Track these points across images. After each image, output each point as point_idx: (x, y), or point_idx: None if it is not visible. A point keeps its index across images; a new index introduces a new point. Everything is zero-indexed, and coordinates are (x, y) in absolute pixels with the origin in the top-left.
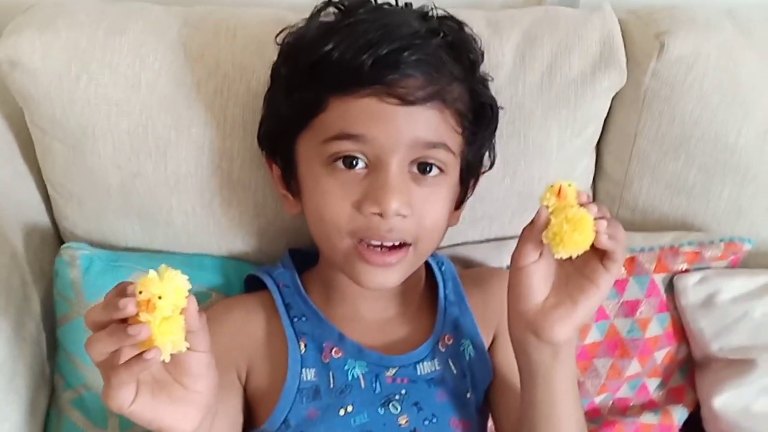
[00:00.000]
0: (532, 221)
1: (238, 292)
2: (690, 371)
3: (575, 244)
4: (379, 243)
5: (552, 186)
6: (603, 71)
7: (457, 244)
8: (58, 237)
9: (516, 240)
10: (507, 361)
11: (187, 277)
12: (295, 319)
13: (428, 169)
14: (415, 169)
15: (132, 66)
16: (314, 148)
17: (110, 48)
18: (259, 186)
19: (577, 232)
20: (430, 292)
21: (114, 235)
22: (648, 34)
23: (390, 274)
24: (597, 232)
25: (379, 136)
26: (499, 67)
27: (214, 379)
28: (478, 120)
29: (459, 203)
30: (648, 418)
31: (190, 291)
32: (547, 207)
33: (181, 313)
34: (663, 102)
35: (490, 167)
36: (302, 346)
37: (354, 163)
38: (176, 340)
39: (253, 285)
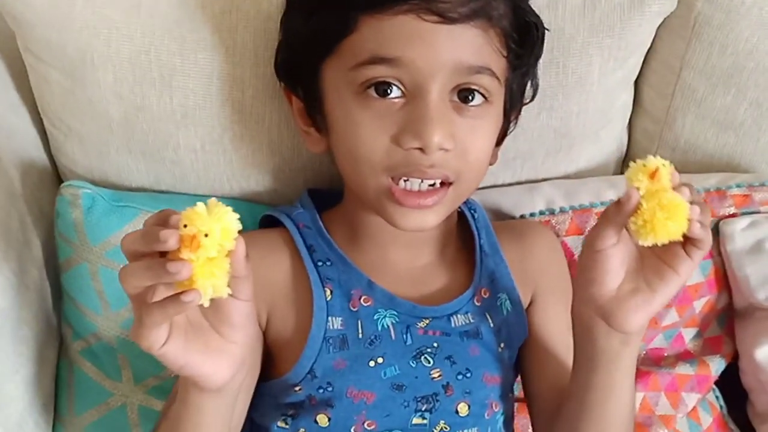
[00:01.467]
0: (619, 202)
1: None
2: (728, 321)
3: (667, 233)
4: (418, 180)
5: (645, 165)
6: None
7: (486, 187)
8: (57, 176)
9: (550, 182)
10: (546, 325)
11: (238, 216)
12: (320, 264)
13: (471, 97)
14: (456, 98)
15: None
16: (343, 76)
17: None
18: (274, 120)
19: (672, 220)
20: (464, 240)
21: (117, 174)
22: None
23: (427, 216)
24: (690, 220)
25: (417, 59)
26: None
27: (253, 331)
28: (524, 41)
29: (500, 138)
30: (684, 369)
31: (240, 232)
32: (638, 189)
33: (227, 256)
34: (715, 29)
35: (533, 98)
36: (328, 292)
37: (389, 90)
38: (218, 284)
39: (268, 226)
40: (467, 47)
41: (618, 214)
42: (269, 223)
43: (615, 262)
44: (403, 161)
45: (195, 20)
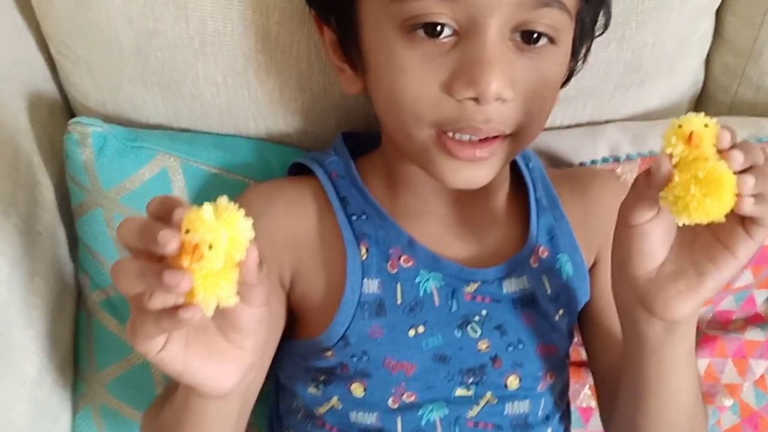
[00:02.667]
0: (648, 172)
1: None
2: None
3: (705, 213)
4: (469, 137)
5: (680, 126)
6: None
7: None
8: (68, 109)
9: (615, 124)
10: (608, 293)
11: (251, 221)
12: (354, 218)
13: (536, 37)
14: (518, 38)
15: None
16: (384, 8)
17: None
18: (303, 50)
19: (711, 197)
20: (518, 192)
21: (133, 108)
22: None
23: (480, 170)
24: (739, 195)
25: None
26: None
27: (264, 335)
28: None
29: (567, 79)
30: (753, 335)
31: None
32: (671, 156)
33: (236, 265)
34: None
35: (605, 29)
36: (363, 251)
37: (439, 29)
38: (224, 295)
39: (298, 173)
40: None
41: (647, 186)
42: (298, 171)
43: (653, 240)
44: (454, 115)
45: None
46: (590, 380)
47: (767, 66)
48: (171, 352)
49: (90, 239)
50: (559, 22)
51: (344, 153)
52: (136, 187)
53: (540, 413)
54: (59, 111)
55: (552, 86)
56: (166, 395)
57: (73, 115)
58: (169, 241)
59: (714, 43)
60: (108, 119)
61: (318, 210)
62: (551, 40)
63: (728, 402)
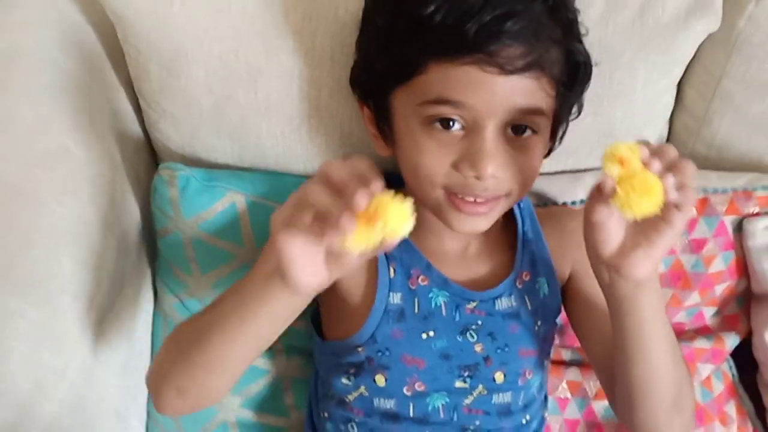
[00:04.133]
0: (598, 187)
1: None
2: (747, 301)
3: (645, 209)
4: (473, 198)
5: (613, 153)
6: (697, 16)
7: None
8: (150, 147)
9: (592, 172)
10: (591, 287)
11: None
12: None
13: (522, 130)
14: (509, 131)
15: None
16: (411, 107)
17: None
18: (346, 116)
19: (645, 197)
20: (510, 228)
21: (206, 151)
22: None
23: (481, 221)
24: (665, 190)
25: (477, 103)
26: (591, 8)
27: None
28: (573, 81)
29: (547, 153)
30: (701, 343)
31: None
32: (612, 176)
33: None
34: (755, 47)
35: (577, 116)
36: (391, 270)
37: (451, 124)
38: (363, 250)
39: None
40: (521, 93)
41: (599, 196)
42: None
43: (611, 228)
44: (460, 184)
45: (279, 25)
46: (567, 377)
47: (717, 129)
48: (291, 240)
49: (169, 255)
50: (540, 122)
51: None
52: (210, 218)
53: (520, 402)
54: (144, 150)
55: (535, 162)
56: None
57: (154, 153)
58: (362, 200)
59: (676, 107)
60: (184, 158)
61: None
62: (534, 131)
63: None
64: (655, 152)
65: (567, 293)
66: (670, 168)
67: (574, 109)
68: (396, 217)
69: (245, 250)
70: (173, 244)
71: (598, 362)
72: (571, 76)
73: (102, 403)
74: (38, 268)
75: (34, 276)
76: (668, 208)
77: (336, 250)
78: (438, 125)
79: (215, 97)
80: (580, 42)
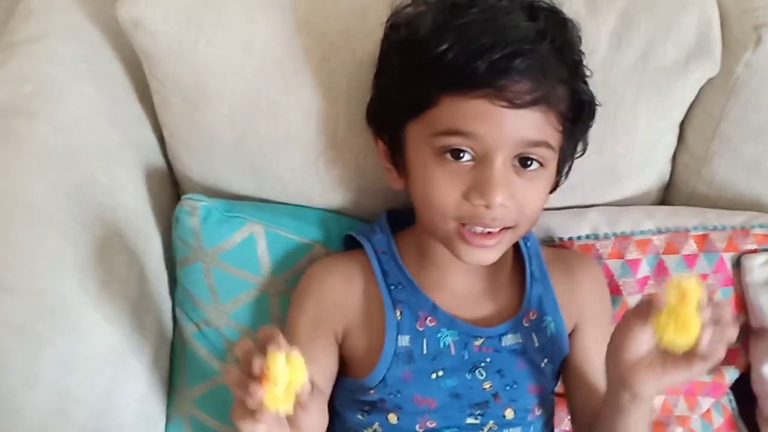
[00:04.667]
0: (650, 298)
1: (336, 245)
2: (745, 336)
3: (674, 342)
4: (482, 229)
5: (680, 284)
6: (697, 61)
7: None
8: (172, 178)
9: (595, 208)
10: (584, 354)
11: (306, 371)
12: (392, 287)
13: (530, 163)
14: (517, 163)
15: (244, 30)
16: (424, 138)
17: (224, 11)
18: (362, 149)
19: (681, 335)
20: (517, 267)
21: (226, 183)
22: (746, 25)
23: (488, 253)
24: (700, 339)
25: (487, 135)
26: (595, 51)
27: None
28: (578, 117)
29: (553, 189)
30: (702, 377)
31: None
32: (667, 300)
33: (294, 392)
34: (752, 92)
35: (582, 153)
36: (398, 313)
37: (462, 155)
38: (284, 407)
39: (350, 243)
40: (529, 126)
41: (646, 310)
42: (351, 240)
43: (641, 340)
44: (470, 213)
45: (299, 64)
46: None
47: (716, 170)
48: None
49: (189, 284)
50: (546, 155)
51: (386, 230)
52: (230, 248)
53: None
54: (166, 181)
55: (541, 195)
56: None
57: (176, 184)
58: (257, 369)
59: (678, 146)
60: (206, 190)
61: (365, 280)
62: (541, 165)
63: (679, 430)
64: (714, 303)
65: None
66: (716, 322)
67: (580, 147)
68: (291, 368)
69: (263, 279)
70: (193, 272)
71: (576, 416)
72: (577, 113)
73: (121, 430)
74: (64, 296)
75: (60, 303)
76: (694, 353)
77: (294, 424)
78: (449, 156)
79: (237, 131)
80: (585, 83)
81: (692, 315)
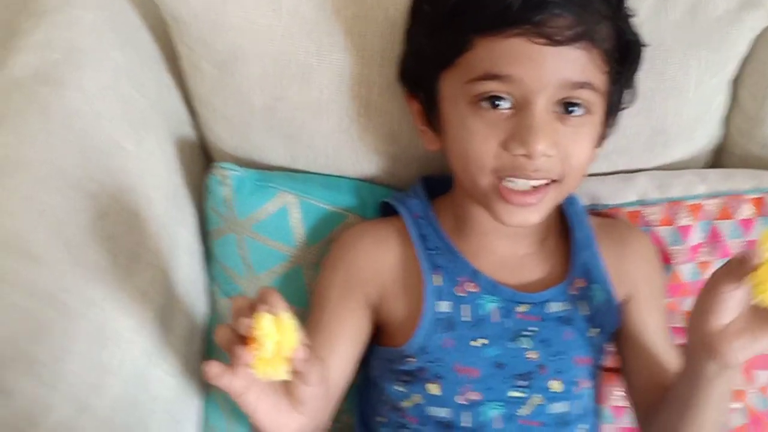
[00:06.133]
0: (743, 256)
1: (372, 214)
2: None
3: None
4: (524, 181)
5: None
6: (749, 10)
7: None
8: (204, 150)
9: (644, 173)
10: (641, 329)
11: (300, 337)
12: (431, 252)
13: (573, 108)
14: (560, 109)
15: None
16: (459, 87)
17: None
18: (395, 114)
19: None
20: (562, 232)
21: (258, 153)
22: None
23: (531, 213)
24: None
25: (526, 77)
26: (642, 1)
27: (321, 407)
28: (624, 58)
29: (600, 141)
30: None
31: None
32: (763, 253)
33: (287, 357)
34: None
35: (631, 104)
36: (437, 278)
37: (499, 103)
38: (274, 373)
39: (386, 211)
40: (571, 66)
41: (739, 268)
42: (387, 208)
43: (731, 304)
44: (510, 164)
45: (331, 24)
46: (620, 384)
47: None
48: (247, 398)
49: (222, 257)
50: (591, 99)
51: (423, 196)
52: (263, 218)
53: (576, 412)
54: (196, 150)
55: (587, 145)
56: None
57: (207, 155)
58: (243, 329)
59: (731, 107)
60: (237, 160)
61: (401, 245)
62: (586, 110)
63: (736, 405)
64: None
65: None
66: None
67: (627, 97)
68: (282, 329)
69: (297, 251)
70: (227, 244)
71: (635, 392)
72: (623, 53)
73: (155, 403)
74: (94, 266)
75: (90, 274)
76: None
77: (287, 388)
78: (486, 104)
79: (267, 96)
80: (631, 23)
81: None
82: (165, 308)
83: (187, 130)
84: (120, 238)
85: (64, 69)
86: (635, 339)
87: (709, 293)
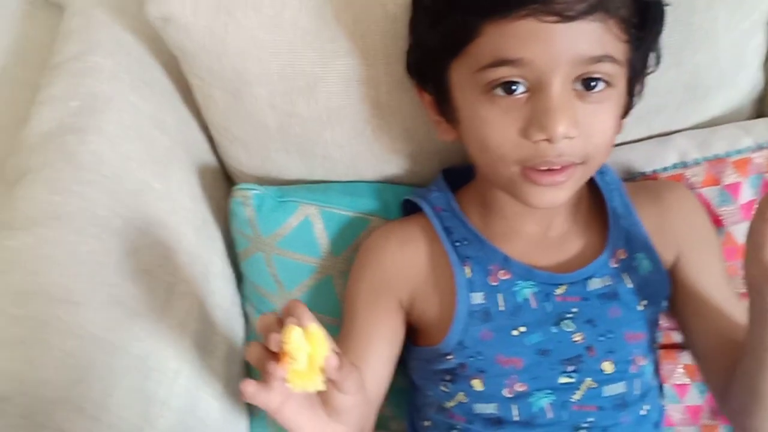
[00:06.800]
0: None
1: (395, 215)
2: None
3: None
4: (547, 168)
5: None
6: None
7: (617, 145)
8: (226, 175)
9: (682, 133)
10: (699, 280)
11: (330, 346)
12: (457, 244)
13: (594, 84)
14: (579, 86)
15: (273, 5)
16: (469, 77)
17: None
18: (408, 111)
19: None
20: (596, 203)
21: (278, 170)
22: None
23: (559, 192)
24: None
25: (537, 58)
26: None
27: (362, 415)
28: (644, 23)
29: (626, 111)
30: None
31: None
32: None
33: (320, 367)
34: None
35: (656, 68)
36: (468, 270)
37: (514, 88)
38: (309, 384)
39: (410, 209)
40: (586, 40)
41: None
42: (409, 205)
43: None
44: (532, 153)
45: (331, 30)
46: (683, 360)
47: None
48: (285, 414)
49: (254, 276)
50: (612, 71)
51: (444, 188)
52: (287, 233)
53: (635, 392)
54: (219, 177)
55: (611, 121)
56: None
57: (230, 180)
58: (274, 345)
59: None
60: (259, 180)
61: (427, 241)
62: (607, 84)
63: None
64: None
65: (673, 280)
66: None
67: (652, 60)
68: (311, 340)
69: (324, 261)
70: (256, 264)
71: (707, 359)
72: (642, 17)
73: (205, 427)
74: (133, 303)
75: (129, 311)
76: None
77: (324, 399)
78: (500, 91)
79: (278, 114)
80: None
81: None
82: (203, 334)
83: (209, 158)
84: (154, 272)
85: (86, 116)
86: (695, 298)
87: (760, 222)
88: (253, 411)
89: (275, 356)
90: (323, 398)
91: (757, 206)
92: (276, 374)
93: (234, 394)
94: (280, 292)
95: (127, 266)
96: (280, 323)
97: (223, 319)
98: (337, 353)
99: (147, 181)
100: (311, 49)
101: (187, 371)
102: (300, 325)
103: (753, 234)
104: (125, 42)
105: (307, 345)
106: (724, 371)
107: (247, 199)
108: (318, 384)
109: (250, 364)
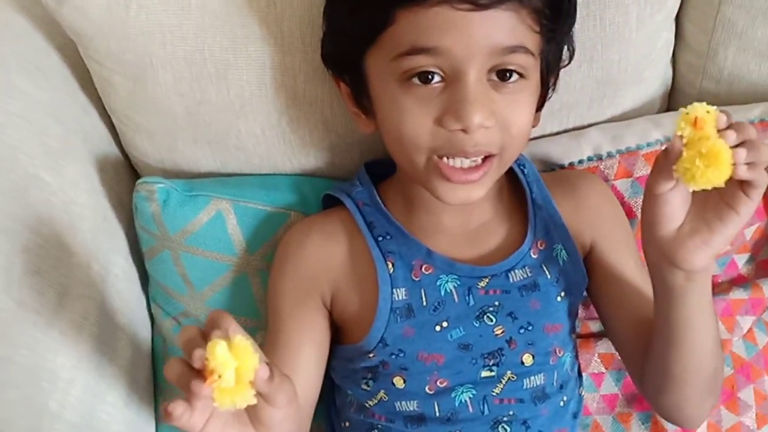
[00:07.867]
0: (666, 150)
1: (315, 210)
2: None
3: (707, 181)
4: (463, 159)
5: (687, 113)
6: None
7: (534, 138)
8: (130, 167)
9: (596, 127)
10: (613, 267)
11: (257, 354)
12: (380, 239)
13: (508, 75)
14: (494, 77)
15: None
16: (385, 65)
17: None
18: (326, 101)
19: (712, 167)
20: (516, 196)
21: (187, 162)
22: None
23: (474, 190)
24: (735, 164)
25: (453, 47)
26: None
27: (294, 428)
28: (557, 15)
29: (540, 104)
30: (737, 294)
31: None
32: (681, 137)
33: (249, 382)
34: None
35: (569, 61)
36: (390, 265)
37: (430, 77)
38: (238, 400)
39: (330, 204)
40: (500, 30)
41: (665, 160)
42: (330, 200)
43: (674, 205)
44: (446, 142)
45: (243, 15)
46: (599, 349)
47: (723, 63)
48: (210, 428)
49: (160, 276)
50: (526, 63)
51: (367, 182)
52: (196, 230)
53: (555, 383)
54: (123, 170)
55: (526, 112)
56: None
57: (135, 173)
58: (197, 362)
59: (677, 45)
60: (166, 173)
61: (348, 236)
62: (521, 76)
63: None
64: (733, 125)
65: (589, 268)
66: (744, 142)
67: (566, 54)
68: (238, 354)
69: (238, 259)
70: (162, 263)
71: (625, 344)
72: (554, 8)
73: None
74: (19, 307)
75: (16, 316)
76: (734, 191)
77: (252, 413)
78: (416, 80)
79: (186, 101)
80: None
81: (716, 141)
82: (103, 339)
83: (111, 149)
84: (46, 273)
85: None
86: (611, 285)
87: (650, 201)
88: (158, 418)
89: (198, 373)
90: (251, 412)
91: (645, 186)
92: (201, 394)
93: (140, 401)
94: (189, 293)
95: (15, 268)
96: (204, 336)
97: (127, 323)
98: (267, 364)
99: (37, 174)
100: (221, 33)
101: (82, 380)
102: (225, 337)
103: (645, 213)
104: (15, 25)
105: (233, 360)
106: (641, 355)
107: (151, 193)
108: (247, 398)
109: (157, 368)
